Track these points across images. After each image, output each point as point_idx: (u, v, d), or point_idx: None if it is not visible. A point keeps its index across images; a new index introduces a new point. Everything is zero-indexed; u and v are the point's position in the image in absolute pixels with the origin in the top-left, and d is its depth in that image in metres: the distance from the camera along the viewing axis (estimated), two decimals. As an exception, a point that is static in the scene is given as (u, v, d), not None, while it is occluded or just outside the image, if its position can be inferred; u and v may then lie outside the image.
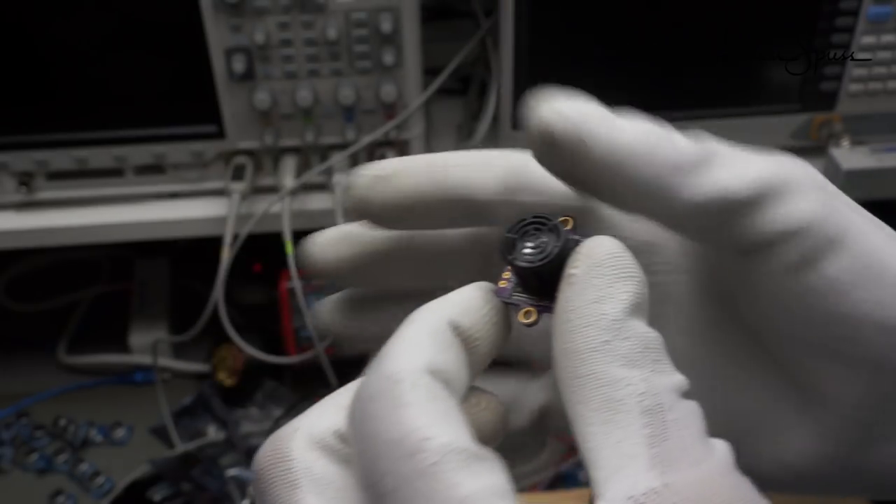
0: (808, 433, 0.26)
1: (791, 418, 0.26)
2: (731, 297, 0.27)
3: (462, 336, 0.23)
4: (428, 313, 0.23)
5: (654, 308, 0.28)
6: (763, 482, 0.26)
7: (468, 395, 0.24)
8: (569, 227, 0.24)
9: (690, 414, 0.20)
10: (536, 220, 0.24)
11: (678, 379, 0.21)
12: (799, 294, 0.24)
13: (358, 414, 0.21)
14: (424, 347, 0.21)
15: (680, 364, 0.27)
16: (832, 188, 0.24)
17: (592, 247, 0.22)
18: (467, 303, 0.23)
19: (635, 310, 0.21)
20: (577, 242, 0.23)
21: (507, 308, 0.24)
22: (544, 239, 0.23)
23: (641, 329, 0.21)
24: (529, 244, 0.23)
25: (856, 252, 0.23)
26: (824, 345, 0.25)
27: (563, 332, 0.21)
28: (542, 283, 0.23)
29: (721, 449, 0.20)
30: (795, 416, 0.26)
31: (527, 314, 0.24)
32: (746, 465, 0.27)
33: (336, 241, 0.28)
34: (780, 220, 0.23)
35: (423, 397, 0.20)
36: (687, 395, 0.21)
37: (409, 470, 0.19)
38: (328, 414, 0.22)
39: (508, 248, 0.24)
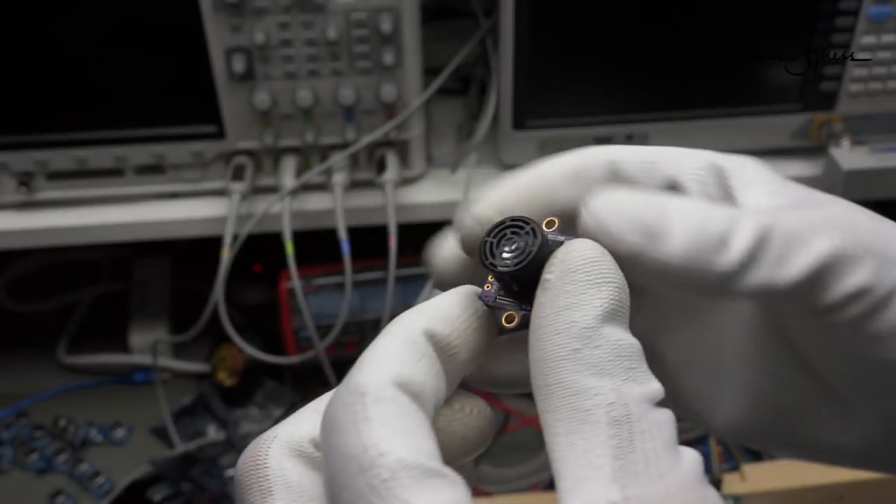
0: (854, 435, 0.27)
1: (840, 423, 0.27)
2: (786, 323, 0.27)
3: (439, 345, 0.22)
4: (402, 323, 0.22)
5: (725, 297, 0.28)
6: (819, 458, 0.27)
7: (453, 400, 0.23)
8: (554, 227, 0.23)
9: (660, 424, 0.20)
10: (515, 222, 0.23)
11: (652, 388, 0.20)
12: (847, 344, 0.24)
13: (325, 426, 0.21)
14: (393, 359, 0.21)
15: (737, 356, 0.27)
16: (881, 246, 0.23)
17: (568, 251, 0.22)
18: (445, 310, 0.23)
19: (610, 316, 0.21)
20: (559, 244, 0.22)
21: (491, 312, 0.24)
22: (523, 242, 0.23)
23: (615, 336, 0.21)
24: (508, 248, 0.23)
25: None
26: (870, 382, 0.25)
27: (535, 339, 0.21)
28: (523, 287, 0.23)
29: (689, 460, 0.20)
30: (842, 423, 0.27)
31: (508, 318, 0.23)
32: (804, 444, 0.27)
33: (453, 256, 0.28)
34: (833, 296, 0.23)
35: (384, 411, 0.20)
36: (662, 403, 0.21)
37: (363, 485, 0.19)
38: (307, 421, 0.22)
39: (487, 252, 0.23)
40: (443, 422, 0.23)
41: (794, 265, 0.22)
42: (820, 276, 0.22)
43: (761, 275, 0.22)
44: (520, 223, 0.23)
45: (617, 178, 0.25)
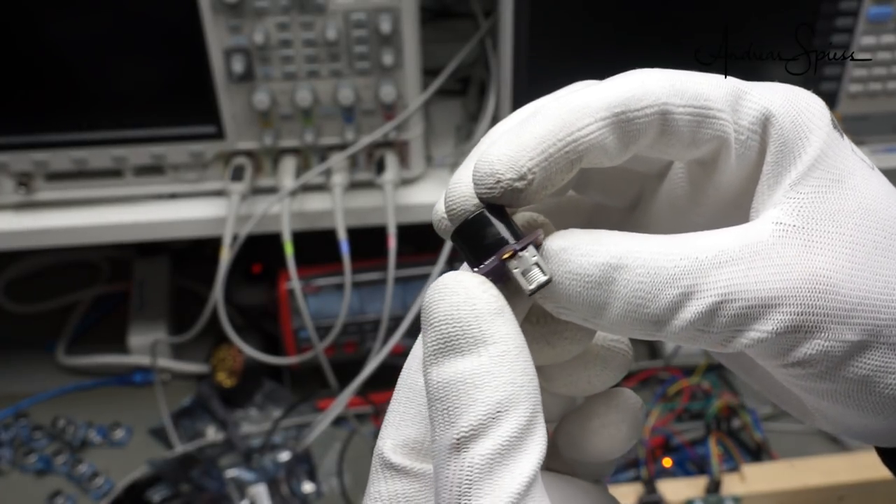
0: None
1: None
2: None
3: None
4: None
5: None
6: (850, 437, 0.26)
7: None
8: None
9: (460, 469, 0.21)
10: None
11: (460, 427, 0.21)
12: (803, 387, 0.24)
13: None
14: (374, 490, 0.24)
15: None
16: (845, 312, 0.22)
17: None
18: None
19: (435, 356, 0.22)
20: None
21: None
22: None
23: (437, 378, 0.22)
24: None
25: (866, 362, 0.23)
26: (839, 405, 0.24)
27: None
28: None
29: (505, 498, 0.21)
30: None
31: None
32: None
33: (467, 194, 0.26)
34: (778, 361, 0.23)
35: None
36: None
37: None
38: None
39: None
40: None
41: (741, 342, 0.22)
42: (768, 346, 0.22)
43: (703, 344, 0.23)
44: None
45: (664, 131, 0.25)
